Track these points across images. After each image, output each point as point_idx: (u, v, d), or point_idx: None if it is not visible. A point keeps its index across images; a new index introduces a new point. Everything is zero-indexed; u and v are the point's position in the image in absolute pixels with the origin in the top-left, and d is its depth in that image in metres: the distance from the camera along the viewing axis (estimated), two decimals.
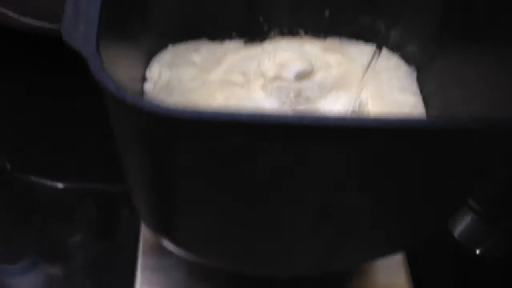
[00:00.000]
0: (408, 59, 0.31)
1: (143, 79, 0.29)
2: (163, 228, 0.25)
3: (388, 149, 0.17)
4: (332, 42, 0.32)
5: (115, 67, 0.19)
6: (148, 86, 0.29)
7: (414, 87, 0.30)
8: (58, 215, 0.41)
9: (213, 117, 0.15)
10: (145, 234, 0.35)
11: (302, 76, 0.31)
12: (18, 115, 0.47)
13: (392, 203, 0.21)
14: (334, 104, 0.30)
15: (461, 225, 0.43)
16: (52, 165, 0.44)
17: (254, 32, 0.31)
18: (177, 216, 0.23)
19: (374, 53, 0.25)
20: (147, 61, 0.30)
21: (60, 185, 0.43)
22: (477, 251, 0.41)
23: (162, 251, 0.35)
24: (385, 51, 0.31)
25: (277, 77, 0.30)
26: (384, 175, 0.18)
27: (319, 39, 0.32)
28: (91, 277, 0.38)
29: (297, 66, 0.31)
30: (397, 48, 0.31)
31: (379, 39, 0.31)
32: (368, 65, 0.26)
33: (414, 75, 0.30)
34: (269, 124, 0.15)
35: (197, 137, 0.16)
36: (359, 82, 0.29)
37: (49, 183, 0.43)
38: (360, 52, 0.31)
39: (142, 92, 0.29)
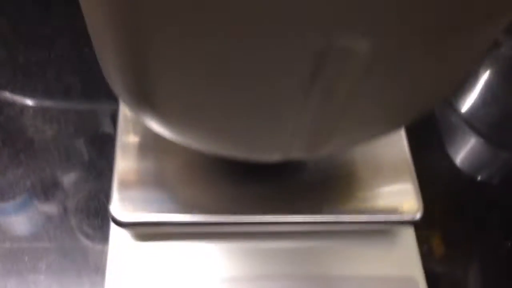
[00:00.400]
0: None
1: None
2: (142, 97, 0.23)
3: None
4: None
5: None
6: None
7: None
8: (43, 143, 0.39)
9: None
10: (120, 162, 0.33)
11: None
12: None
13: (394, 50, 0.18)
14: None
15: (464, 149, 0.42)
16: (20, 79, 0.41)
17: None
18: (155, 77, 0.21)
19: None
20: None
21: (30, 103, 0.40)
22: (478, 177, 0.40)
23: (139, 181, 0.32)
24: None
25: None
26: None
27: None
28: (85, 215, 0.36)
29: None
30: None
31: None
32: None
33: None
34: None
35: None
36: None
37: (18, 100, 0.40)
38: None
39: None
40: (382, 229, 0.36)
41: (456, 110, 0.45)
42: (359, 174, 0.36)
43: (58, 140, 0.38)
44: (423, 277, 0.35)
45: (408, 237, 0.37)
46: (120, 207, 0.31)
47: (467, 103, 0.45)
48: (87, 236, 0.35)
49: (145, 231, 0.33)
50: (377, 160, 0.36)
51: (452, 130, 0.44)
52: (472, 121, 0.44)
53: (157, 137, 0.32)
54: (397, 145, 0.36)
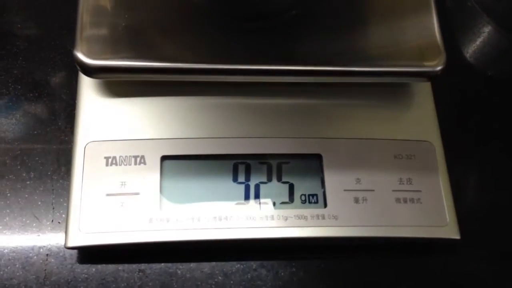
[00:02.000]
0: None
1: None
2: None
3: None
4: None
5: None
6: None
7: None
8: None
9: None
10: None
11: None
12: None
13: None
14: None
15: (478, 40, 0.38)
16: None
17: None
18: None
19: None
20: None
21: None
22: (489, 73, 0.37)
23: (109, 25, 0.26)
24: None
25: None
26: None
27: None
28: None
29: None
30: None
31: None
32: None
33: None
34: None
35: None
36: None
37: None
38: None
39: None
40: (398, 84, 0.31)
41: None
42: (374, 20, 0.30)
43: None
44: (440, 141, 0.30)
45: (425, 97, 0.32)
46: (86, 50, 0.26)
47: None
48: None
49: (116, 82, 0.28)
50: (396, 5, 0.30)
51: (466, 17, 0.39)
52: (488, 6, 0.39)
53: None
54: None
